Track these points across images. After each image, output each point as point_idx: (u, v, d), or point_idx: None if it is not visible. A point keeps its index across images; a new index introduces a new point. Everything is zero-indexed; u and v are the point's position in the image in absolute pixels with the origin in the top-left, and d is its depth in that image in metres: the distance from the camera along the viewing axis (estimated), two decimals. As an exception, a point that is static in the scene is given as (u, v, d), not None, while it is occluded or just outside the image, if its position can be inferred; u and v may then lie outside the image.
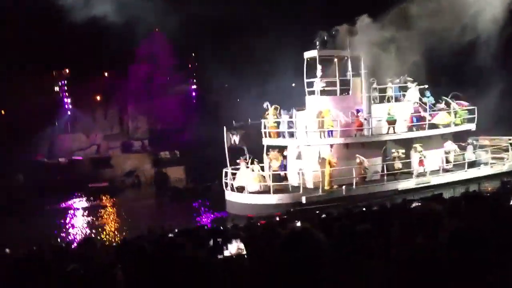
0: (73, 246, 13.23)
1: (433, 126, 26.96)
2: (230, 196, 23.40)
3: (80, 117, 49.13)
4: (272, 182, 22.79)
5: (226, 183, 23.51)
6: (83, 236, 23.84)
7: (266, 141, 24.40)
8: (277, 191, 22.77)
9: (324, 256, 2.48)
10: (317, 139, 23.96)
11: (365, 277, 3.62)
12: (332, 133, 23.85)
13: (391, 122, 25.69)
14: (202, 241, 7.11)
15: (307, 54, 25.13)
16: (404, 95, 27.57)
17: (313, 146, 23.85)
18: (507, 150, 28.98)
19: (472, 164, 27.20)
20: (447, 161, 26.95)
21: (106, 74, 50.49)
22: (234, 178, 23.38)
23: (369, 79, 25.68)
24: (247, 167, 23.13)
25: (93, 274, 3.40)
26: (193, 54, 51.79)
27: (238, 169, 23.72)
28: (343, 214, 10.37)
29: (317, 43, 24.80)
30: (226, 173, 23.46)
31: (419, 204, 8.65)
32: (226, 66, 45.03)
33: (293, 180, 24.09)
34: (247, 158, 23.71)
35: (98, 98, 50.53)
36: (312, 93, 25.17)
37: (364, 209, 12.93)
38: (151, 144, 47.53)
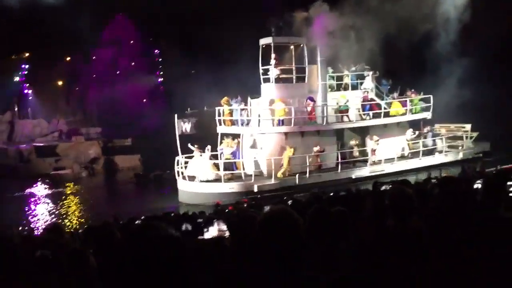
0: (37, 233, 12.86)
1: (388, 114, 27.15)
2: (182, 185, 23.11)
3: (41, 102, 48.07)
4: (225, 170, 22.62)
5: (178, 172, 23.19)
6: (47, 222, 23.34)
7: (220, 129, 24.14)
8: (229, 179, 22.56)
9: (303, 236, 2.51)
10: (270, 127, 23.80)
11: (338, 258, 3.64)
12: (283, 122, 23.64)
13: (343, 111, 25.63)
14: (175, 225, 6.91)
15: (262, 41, 24.85)
16: (361, 83, 27.51)
17: (267, 134, 23.68)
18: (462, 138, 29.37)
19: (430, 152, 27.48)
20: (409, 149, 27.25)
21: (68, 58, 49.31)
22: (186, 167, 23.09)
23: (325, 67, 25.58)
24: (200, 155, 22.80)
25: (64, 259, 3.33)
26: (157, 40, 50.92)
27: (191, 157, 23.40)
28: (312, 199, 9.99)
29: (272, 29, 24.52)
30: (178, 161, 23.13)
31: (389, 187, 8.66)
32: (188, 53, 44.51)
33: (248, 168, 24.02)
34: (199, 147, 23.33)
35: (60, 83, 49.42)
36: (267, 80, 24.94)
37: (331, 194, 12.96)
38: (106, 131, 46.19)
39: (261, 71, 24.89)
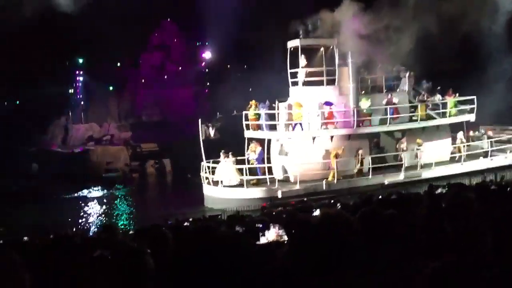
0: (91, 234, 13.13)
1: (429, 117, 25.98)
2: (207, 190, 23.00)
3: (93, 106, 49.67)
4: (250, 175, 22.34)
5: (203, 177, 23.09)
6: (101, 223, 23.98)
7: (247, 134, 23.83)
8: (255, 185, 22.22)
9: (359, 240, 2.56)
10: (298, 132, 23.28)
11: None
12: (301, 126, 23.07)
13: (366, 115, 24.66)
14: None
15: (290, 44, 24.36)
16: (397, 85, 26.45)
17: (293, 139, 23.19)
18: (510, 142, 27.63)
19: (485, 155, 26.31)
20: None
21: (118, 64, 50.73)
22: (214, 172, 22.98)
23: (357, 69, 24.73)
24: (225, 160, 22.63)
25: (122, 259, 3.24)
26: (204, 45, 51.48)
27: (217, 162, 23.27)
28: (360, 203, 9.66)
29: (300, 32, 23.98)
30: (202, 166, 23.04)
31: (446, 190, 8.79)
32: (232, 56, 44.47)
33: (277, 174, 23.66)
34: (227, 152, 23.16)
35: (111, 88, 50.91)
36: (295, 84, 24.43)
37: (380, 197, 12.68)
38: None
39: (289, 74, 24.38)
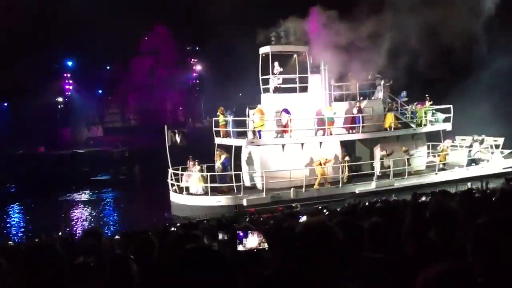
0: (77, 238, 13.06)
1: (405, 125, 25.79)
2: (173, 197, 22.75)
3: (82, 110, 49.58)
4: (217, 182, 22.14)
5: (171, 184, 22.82)
6: (87, 227, 23.78)
7: (216, 140, 23.58)
8: (223, 192, 21.96)
9: (345, 253, 2.50)
10: (269, 138, 23.05)
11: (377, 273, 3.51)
12: (260, 134, 22.77)
13: (329, 123, 24.17)
14: (211, 234, 6.78)
15: (262, 50, 24.14)
16: (373, 93, 26.18)
17: (261, 146, 22.94)
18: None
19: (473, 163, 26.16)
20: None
21: (108, 67, 50.66)
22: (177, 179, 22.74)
23: (330, 76, 24.50)
24: (193, 169, 22.41)
25: (106, 266, 3.29)
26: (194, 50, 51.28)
27: (184, 169, 23.05)
28: (348, 210, 10.50)
29: (272, 38, 23.78)
30: (169, 173, 22.79)
31: (429, 199, 8.82)
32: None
33: (246, 181, 23.45)
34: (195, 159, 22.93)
35: (100, 91, 50.87)
36: (267, 90, 24.18)
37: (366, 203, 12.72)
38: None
39: (260, 80, 24.16)
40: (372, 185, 23.75)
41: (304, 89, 24.33)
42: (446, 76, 35.82)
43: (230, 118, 22.68)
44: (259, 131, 22.44)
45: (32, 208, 29.98)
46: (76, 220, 26.30)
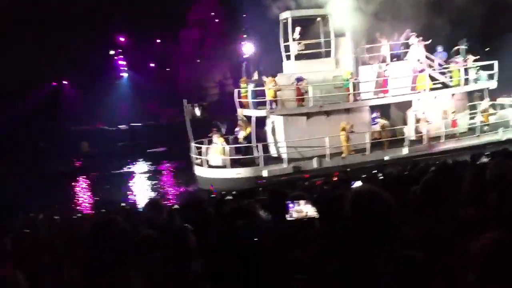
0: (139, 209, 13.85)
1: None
2: (197, 170, 22.77)
3: (136, 85, 50.60)
4: (237, 154, 21.93)
5: (192, 157, 22.84)
6: (148, 199, 24.70)
7: (239, 111, 23.21)
8: (240, 164, 21.73)
9: (394, 215, 2.52)
10: (289, 107, 22.40)
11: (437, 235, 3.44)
12: (272, 104, 21.94)
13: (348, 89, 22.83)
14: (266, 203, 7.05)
15: (282, 15, 23.26)
16: (406, 53, 24.65)
17: (283, 116, 22.32)
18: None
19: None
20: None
21: (158, 40, 51.09)
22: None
23: (356, 38, 23.26)
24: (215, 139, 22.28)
25: (167, 239, 3.51)
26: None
27: (209, 141, 22.96)
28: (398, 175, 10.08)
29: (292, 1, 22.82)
30: (191, 147, 22.76)
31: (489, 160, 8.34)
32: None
33: (273, 152, 23.10)
34: (220, 130, 22.77)
35: (153, 65, 51.57)
36: (288, 58, 23.40)
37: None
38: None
39: (282, 47, 23.37)
40: (403, 151, 22.60)
41: (328, 54, 23.33)
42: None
43: (250, 88, 22.17)
44: (271, 101, 21.73)
45: (95, 182, 31.22)
46: (137, 191, 27.14)
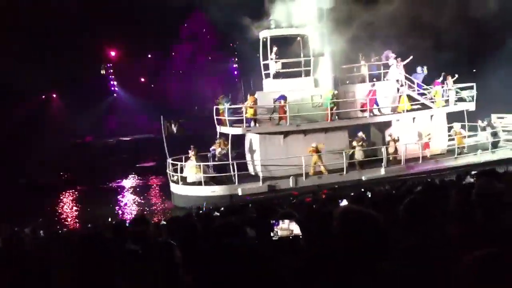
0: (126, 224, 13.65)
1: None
2: (173, 187, 22.68)
3: (125, 98, 50.78)
4: (215, 172, 21.88)
5: (170, 174, 22.73)
6: (135, 214, 24.53)
7: (218, 129, 23.15)
8: (216, 182, 21.67)
9: (381, 232, 2.53)
10: (266, 126, 22.40)
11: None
12: (251, 122, 21.98)
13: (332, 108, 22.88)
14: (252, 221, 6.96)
15: (262, 34, 23.35)
16: (386, 74, 24.71)
17: (259, 134, 22.32)
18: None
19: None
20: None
21: (149, 55, 51.37)
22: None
23: (335, 58, 23.35)
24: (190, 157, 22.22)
25: (151, 253, 3.54)
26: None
27: (185, 159, 22.89)
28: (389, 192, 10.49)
29: (271, 21, 22.94)
30: (168, 163, 22.69)
31: (474, 180, 8.53)
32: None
33: (251, 169, 23.03)
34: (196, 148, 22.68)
35: (143, 79, 51.78)
36: (268, 76, 23.45)
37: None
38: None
39: (262, 66, 23.44)
40: (381, 172, 22.55)
41: (307, 73, 23.40)
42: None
43: (226, 106, 22.17)
44: (249, 119, 21.74)
45: (84, 195, 30.82)
46: (125, 206, 26.84)
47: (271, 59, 22.88)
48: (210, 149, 22.51)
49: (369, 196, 11.09)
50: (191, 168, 21.62)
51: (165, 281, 3.40)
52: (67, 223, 23.68)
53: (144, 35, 46.74)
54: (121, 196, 29.81)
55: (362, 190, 15.75)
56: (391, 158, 22.95)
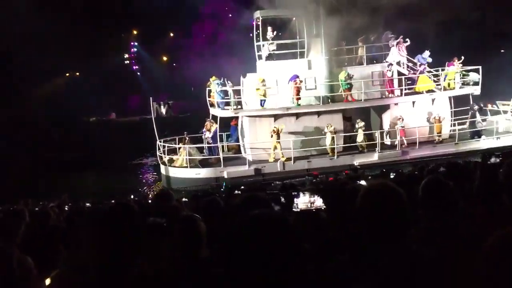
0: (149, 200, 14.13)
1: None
2: (162, 169, 22.76)
3: (148, 78, 51.10)
4: (210, 154, 21.90)
5: (160, 156, 22.76)
6: (158, 189, 25.00)
7: (212, 111, 22.95)
8: (202, 164, 21.63)
9: (406, 211, 2.54)
10: (253, 108, 22.12)
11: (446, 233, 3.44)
12: (263, 103, 21.70)
13: (345, 90, 22.43)
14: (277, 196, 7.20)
15: (255, 15, 22.92)
16: (386, 56, 23.91)
17: (250, 117, 22.07)
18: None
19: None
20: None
21: (171, 34, 51.41)
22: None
23: (331, 39, 22.70)
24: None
25: (177, 226, 3.57)
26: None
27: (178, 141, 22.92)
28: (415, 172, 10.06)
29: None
30: (158, 145, 22.72)
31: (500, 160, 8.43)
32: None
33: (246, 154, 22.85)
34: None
35: (165, 58, 51.95)
36: (260, 57, 23.06)
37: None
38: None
39: (255, 47, 23.05)
40: (374, 157, 21.99)
41: (302, 55, 22.89)
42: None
43: (218, 88, 21.98)
44: (262, 101, 21.59)
45: (107, 173, 31.17)
46: (146, 183, 27.20)
47: (268, 39, 22.42)
48: (202, 131, 22.41)
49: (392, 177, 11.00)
50: (181, 151, 21.64)
51: (188, 252, 3.41)
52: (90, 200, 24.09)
53: (165, 15, 46.71)
54: (142, 173, 29.86)
55: (384, 170, 15.38)
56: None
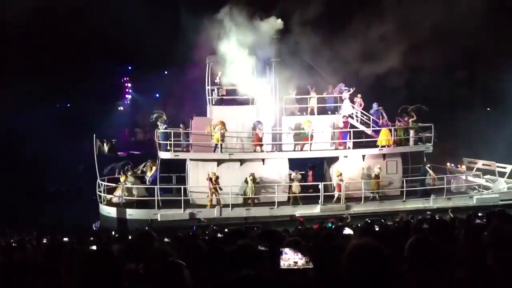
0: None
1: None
2: (100, 208, 22.50)
3: (139, 112, 51.48)
4: (143, 194, 21.71)
5: (99, 195, 22.57)
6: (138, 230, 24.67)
7: (161, 155, 22.77)
8: (137, 205, 21.40)
9: (390, 270, 2.65)
10: (198, 152, 22.03)
11: None
12: (215, 148, 21.75)
13: (305, 138, 22.36)
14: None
15: (209, 59, 23.16)
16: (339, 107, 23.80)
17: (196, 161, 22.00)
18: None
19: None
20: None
21: (166, 72, 52.15)
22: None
23: (282, 87, 22.79)
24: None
25: (159, 273, 3.38)
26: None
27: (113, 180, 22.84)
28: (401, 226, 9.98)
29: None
30: (98, 183, 22.55)
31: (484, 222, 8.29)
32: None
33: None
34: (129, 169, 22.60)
35: (157, 95, 52.55)
36: (211, 101, 23.15)
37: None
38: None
39: (206, 91, 23.17)
40: (316, 209, 21.62)
41: (252, 102, 22.92)
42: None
43: (161, 130, 22.02)
44: (216, 145, 21.67)
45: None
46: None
47: (216, 83, 22.57)
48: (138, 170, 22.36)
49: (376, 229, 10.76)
50: (117, 190, 21.54)
51: None
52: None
53: (160, 52, 47.42)
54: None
55: (368, 220, 14.95)
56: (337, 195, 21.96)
